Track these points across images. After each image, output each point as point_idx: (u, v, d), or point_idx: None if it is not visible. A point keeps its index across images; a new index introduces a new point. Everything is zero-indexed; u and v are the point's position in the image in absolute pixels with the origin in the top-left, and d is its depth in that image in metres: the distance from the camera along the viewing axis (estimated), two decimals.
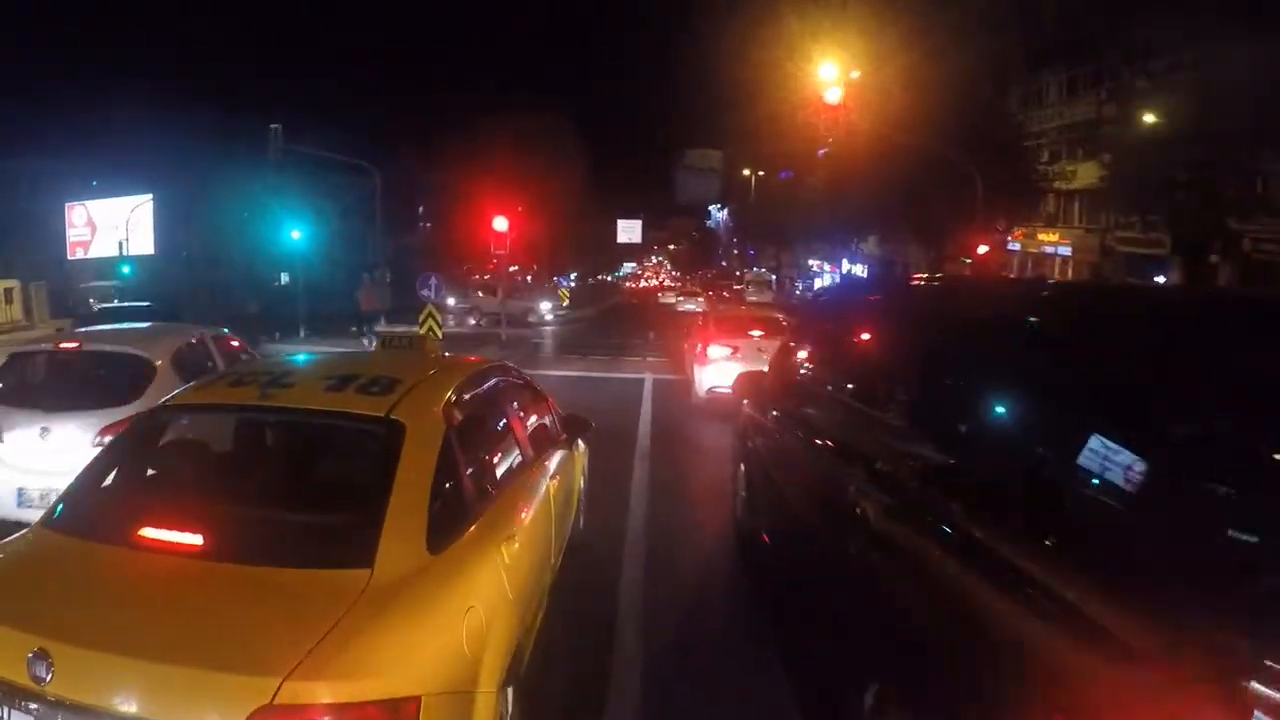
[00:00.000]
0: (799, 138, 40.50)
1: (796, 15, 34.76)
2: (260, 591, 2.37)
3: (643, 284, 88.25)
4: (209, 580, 2.44)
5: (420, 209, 54.71)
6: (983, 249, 23.16)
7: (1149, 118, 25.38)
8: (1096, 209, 31.02)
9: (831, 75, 25.43)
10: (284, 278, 47.87)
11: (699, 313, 31.12)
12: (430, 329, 15.55)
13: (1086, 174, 30.34)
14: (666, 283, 74.54)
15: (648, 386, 14.06)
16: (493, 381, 4.22)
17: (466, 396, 3.55)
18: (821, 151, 46.27)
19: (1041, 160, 29.76)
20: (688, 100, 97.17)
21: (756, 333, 12.23)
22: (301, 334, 22.30)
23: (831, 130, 24.19)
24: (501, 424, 4.09)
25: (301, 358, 5.54)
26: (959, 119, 24.03)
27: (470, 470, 3.21)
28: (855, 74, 28.19)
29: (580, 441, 5.52)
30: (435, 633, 2.44)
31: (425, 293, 16.60)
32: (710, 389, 11.49)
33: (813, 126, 33.55)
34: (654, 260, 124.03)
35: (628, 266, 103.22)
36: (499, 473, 3.72)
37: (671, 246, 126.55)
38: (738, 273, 74.50)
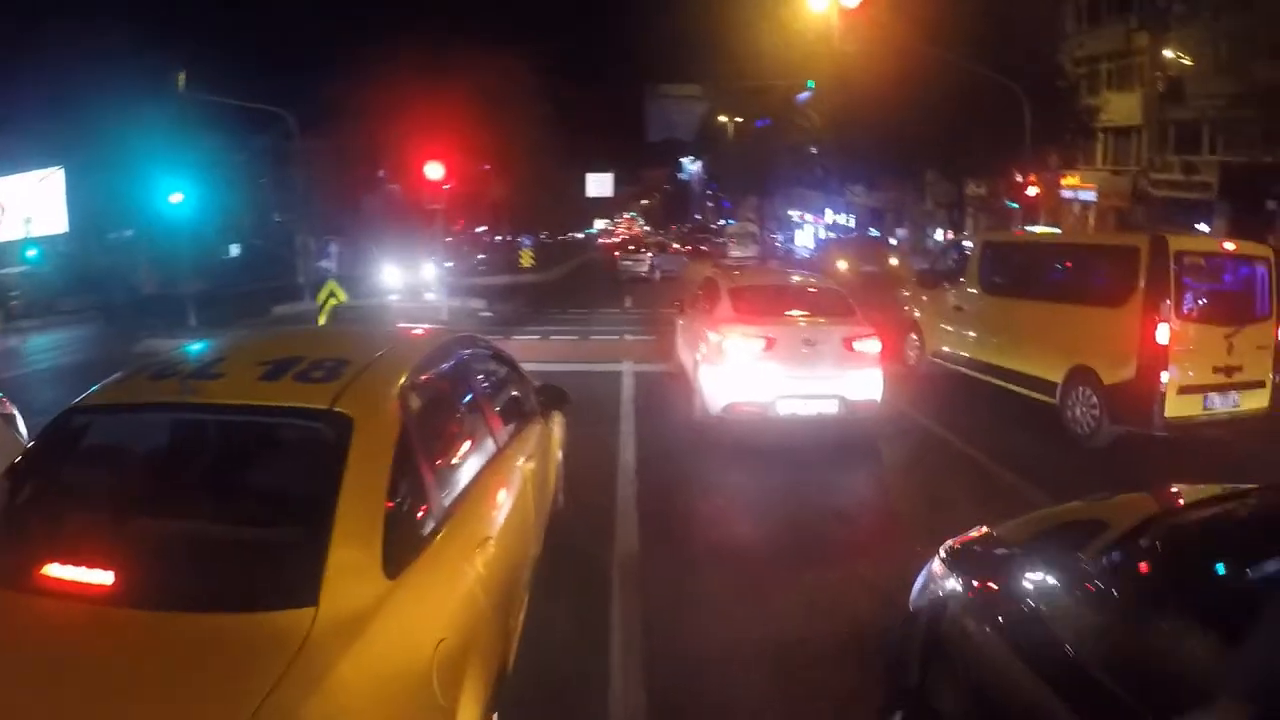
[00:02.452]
0: (782, 75, 37.11)
1: None
2: (178, 649, 1.86)
3: (614, 239, 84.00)
4: (115, 636, 1.91)
5: (381, 171, 50.54)
6: (1032, 190, 20.20)
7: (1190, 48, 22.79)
8: (1126, 148, 28.22)
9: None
10: (234, 250, 44.13)
11: (684, 269, 26.86)
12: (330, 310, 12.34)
13: (1115, 109, 27.49)
14: (637, 238, 66.24)
15: (627, 386, 10.46)
16: (458, 356, 3.59)
17: (427, 377, 3.03)
18: (802, 96, 42.96)
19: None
20: (661, 37, 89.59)
21: (799, 312, 8.10)
22: (192, 322, 17.81)
23: (850, 40, 20.83)
24: (469, 406, 3.51)
25: (199, 344, 3.78)
26: (997, 38, 20.68)
27: (434, 467, 2.70)
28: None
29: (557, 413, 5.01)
30: (400, 686, 1.97)
31: (325, 264, 13.26)
32: (729, 405, 7.61)
33: (801, 57, 30.34)
34: (626, 215, 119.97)
35: (599, 223, 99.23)
36: (468, 465, 3.13)
37: (644, 201, 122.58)
38: (714, 225, 70.75)
